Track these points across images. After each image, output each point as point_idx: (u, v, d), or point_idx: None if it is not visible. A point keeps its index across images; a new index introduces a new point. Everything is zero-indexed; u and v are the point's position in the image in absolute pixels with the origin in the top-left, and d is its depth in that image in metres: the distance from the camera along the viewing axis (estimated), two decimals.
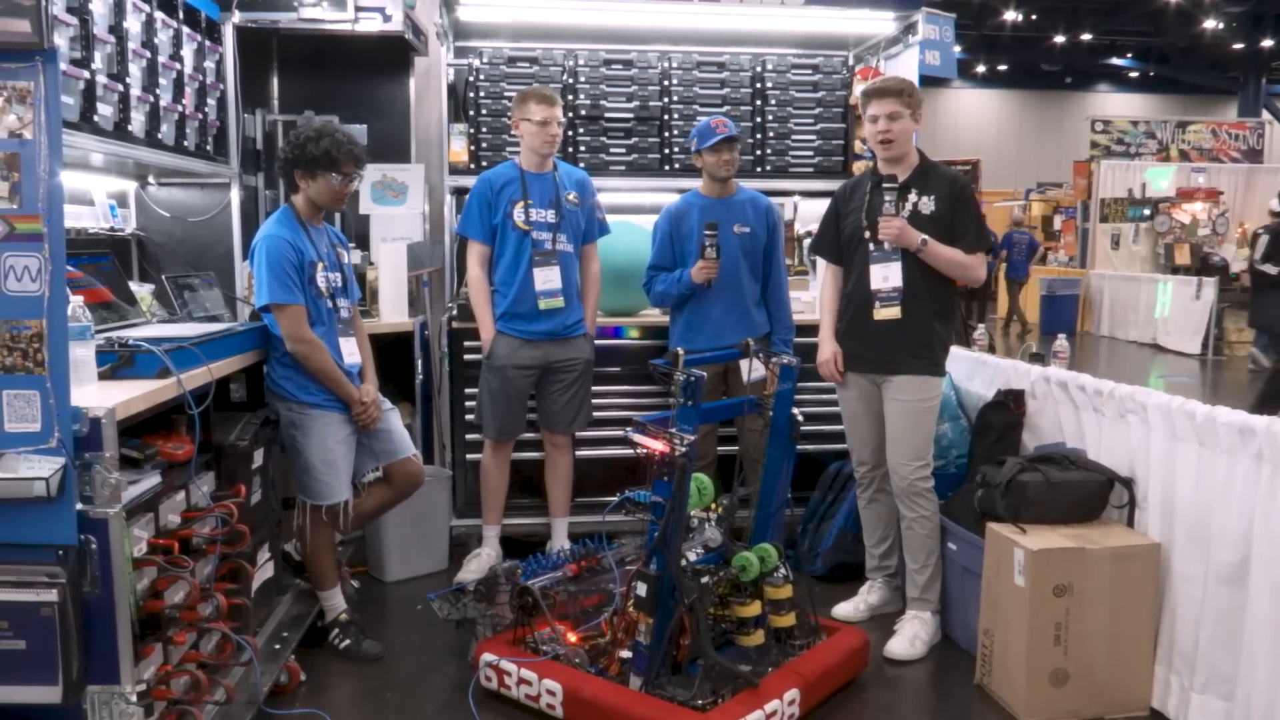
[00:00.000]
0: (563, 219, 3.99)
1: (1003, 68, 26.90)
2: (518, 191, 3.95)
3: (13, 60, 2.08)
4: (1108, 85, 28.43)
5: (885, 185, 3.45)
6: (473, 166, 4.61)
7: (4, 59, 2.08)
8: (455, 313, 4.38)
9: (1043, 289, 13.62)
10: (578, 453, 4.39)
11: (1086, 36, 23.72)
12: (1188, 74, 24.91)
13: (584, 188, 4.11)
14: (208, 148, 3.84)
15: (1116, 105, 26.97)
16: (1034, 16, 22.60)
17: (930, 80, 5.25)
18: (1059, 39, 23.82)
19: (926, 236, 3.43)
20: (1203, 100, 26.93)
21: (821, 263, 3.97)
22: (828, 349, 3.70)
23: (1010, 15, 22.16)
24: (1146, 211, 13.03)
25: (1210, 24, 21.62)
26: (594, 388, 4.24)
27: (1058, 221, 16.55)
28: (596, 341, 4.25)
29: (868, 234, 3.51)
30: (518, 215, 3.93)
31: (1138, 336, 12.43)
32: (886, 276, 3.48)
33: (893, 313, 3.48)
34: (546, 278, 3.93)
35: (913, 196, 3.49)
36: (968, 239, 3.49)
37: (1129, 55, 25.66)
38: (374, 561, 4.24)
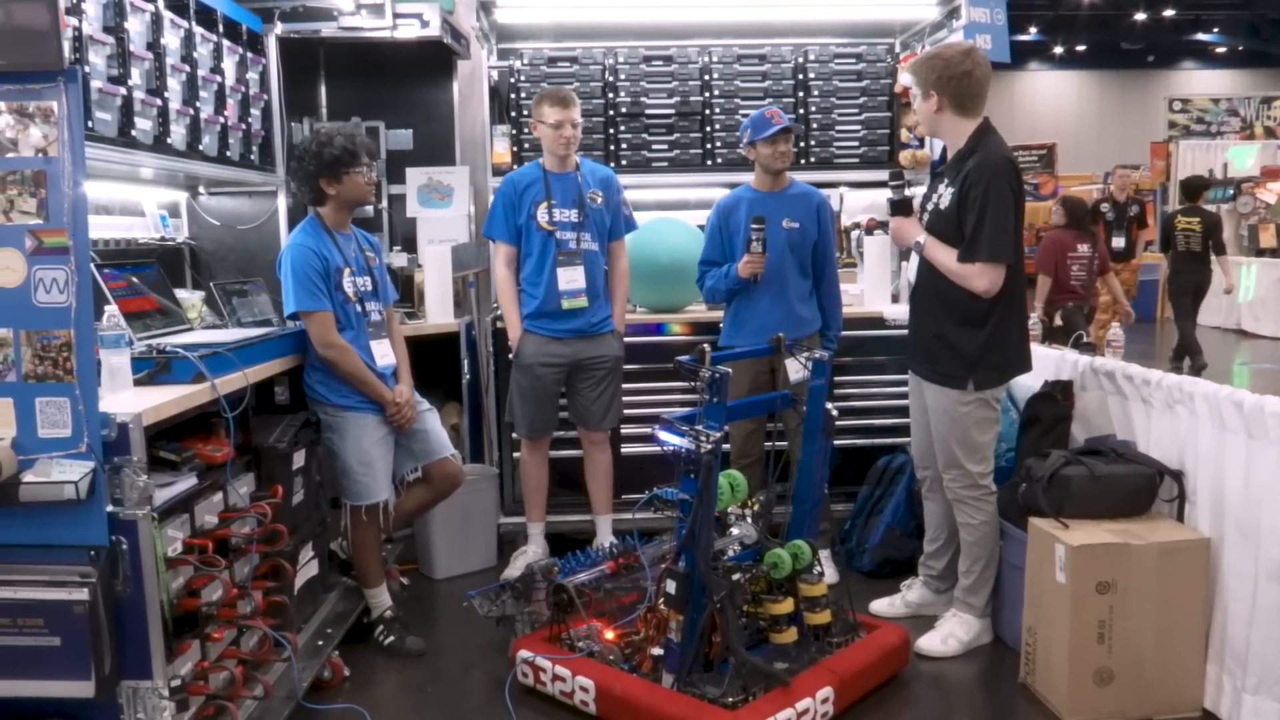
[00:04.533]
0: (586, 218, 4.00)
1: (1081, 48, 26.12)
2: (541, 192, 3.97)
3: (36, 81, 2.17)
4: (1192, 62, 27.36)
5: (890, 183, 3.37)
6: (515, 167, 4.67)
7: (27, 80, 2.16)
8: (500, 313, 4.42)
9: None
10: (625, 449, 4.41)
11: (1169, 12, 22.90)
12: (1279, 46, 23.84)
13: (608, 185, 4.11)
14: (252, 157, 3.94)
15: (1203, 83, 25.95)
16: None
17: (1008, 63, 5.11)
18: (1140, 16, 23.04)
19: (923, 238, 3.26)
20: None
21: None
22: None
23: None
24: (1229, 192, 12.54)
25: None
26: (639, 384, 4.25)
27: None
28: (640, 339, 4.25)
29: None
30: (541, 216, 3.96)
31: (1221, 322, 11.97)
32: (915, 269, 3.42)
33: (906, 309, 3.42)
34: (570, 278, 3.95)
35: (941, 186, 3.33)
36: (967, 245, 3.18)
37: (1215, 30, 24.69)
38: (423, 559, 4.32)
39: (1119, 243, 9.02)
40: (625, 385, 4.24)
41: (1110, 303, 7.12)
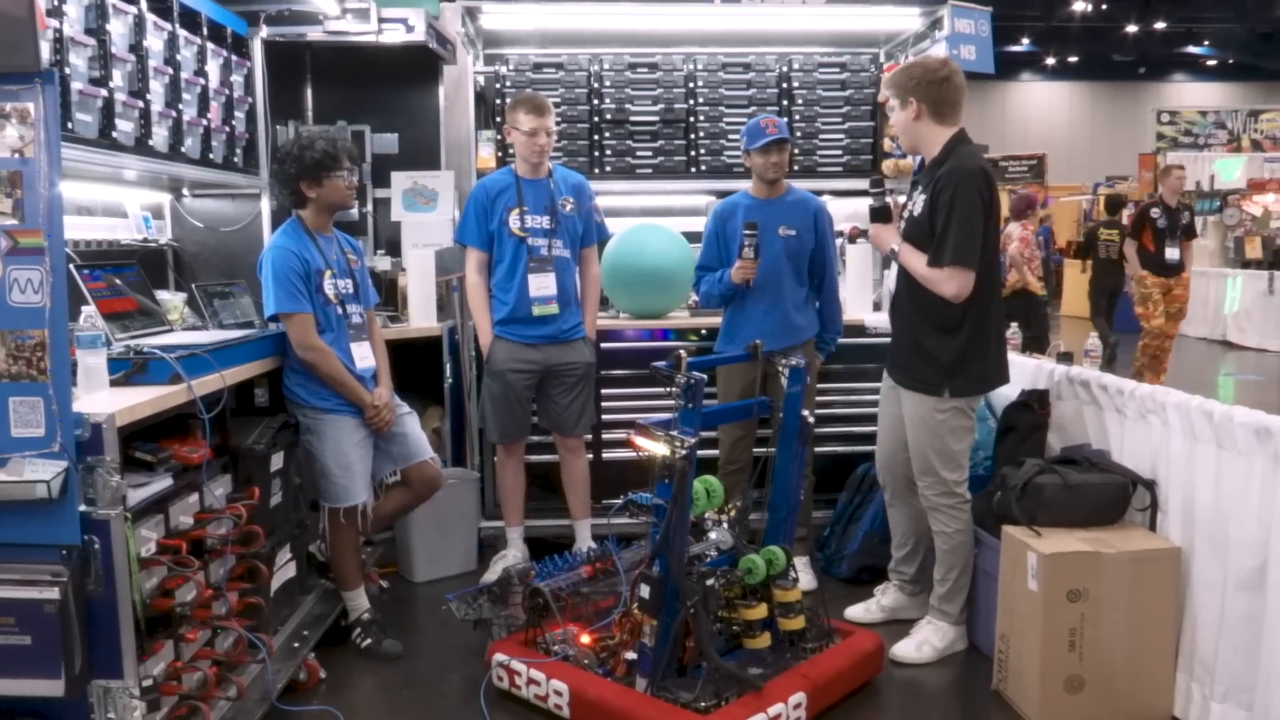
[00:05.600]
0: (558, 224, 4.00)
1: (1073, 59, 26.27)
2: (513, 198, 3.97)
3: (12, 82, 2.18)
4: (1183, 74, 27.57)
5: (870, 190, 3.40)
6: None
7: (4, 81, 2.17)
8: None
9: None
10: (609, 454, 4.43)
11: (1160, 25, 23.05)
12: (1270, 60, 23.98)
13: (580, 192, 4.11)
14: (236, 160, 3.96)
15: (1193, 95, 26.16)
16: (1104, 6, 22.04)
17: (998, 74, 5.16)
18: (1131, 28, 23.18)
19: (897, 244, 3.31)
20: None
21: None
22: None
23: (1080, 5, 21.65)
24: (1216, 204, 12.62)
25: None
26: (621, 390, 4.26)
27: (1125, 215, 16.06)
28: (623, 344, 4.26)
29: None
30: (513, 222, 3.96)
31: (1207, 333, 12.05)
32: (893, 278, 3.46)
33: (885, 316, 3.44)
34: (541, 284, 3.95)
35: (915, 194, 3.38)
36: (934, 249, 3.22)
37: (1205, 43, 24.84)
38: (403, 562, 4.32)
39: (1172, 255, 8.21)
40: (607, 391, 4.26)
41: None
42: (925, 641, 3.46)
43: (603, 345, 4.31)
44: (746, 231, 3.89)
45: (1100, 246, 10.13)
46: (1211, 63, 26.60)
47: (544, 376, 4.06)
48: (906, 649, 3.46)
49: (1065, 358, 3.98)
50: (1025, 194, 9.07)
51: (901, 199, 3.53)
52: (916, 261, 3.28)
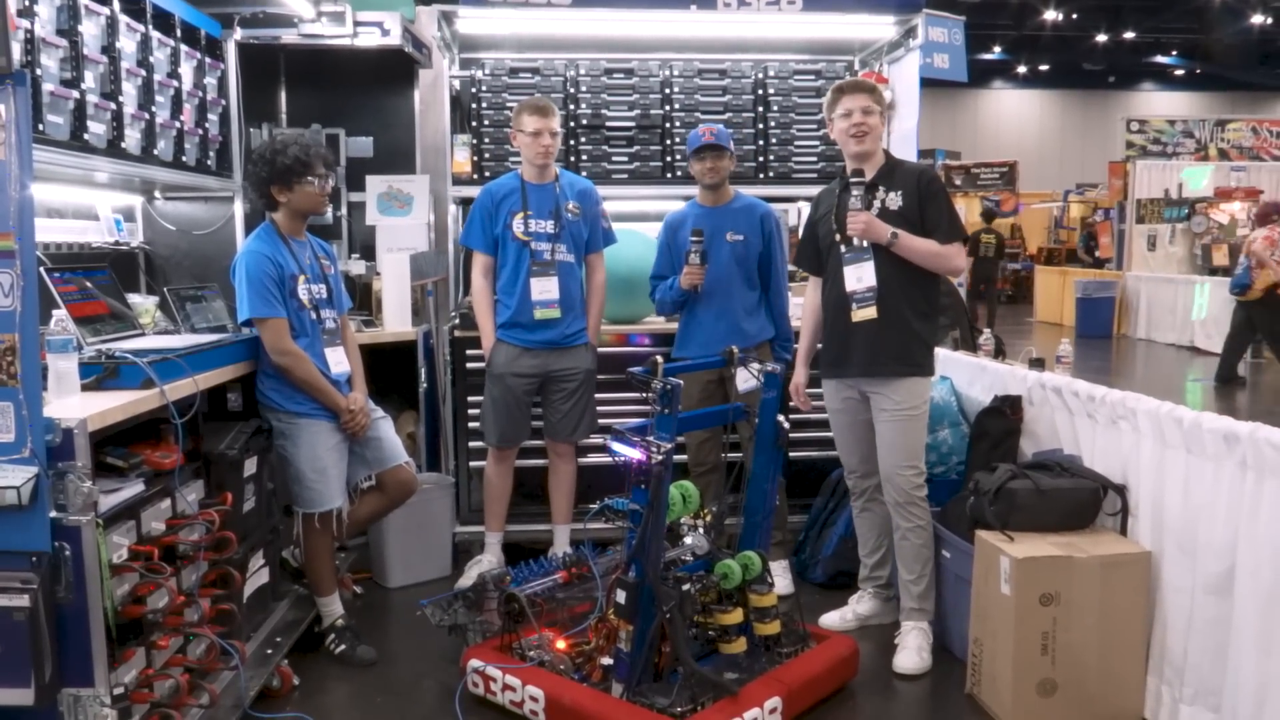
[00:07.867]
0: (563, 229, 4.01)
1: (1044, 68, 26.57)
2: (518, 203, 3.98)
3: None
4: (1152, 84, 27.97)
5: (851, 182, 3.43)
6: (476, 177, 4.67)
7: None
8: (458, 322, 4.43)
9: (1078, 291, 13.41)
10: (585, 460, 4.42)
11: (1129, 35, 23.36)
12: (1236, 71, 24.38)
13: (586, 197, 4.13)
14: (208, 163, 3.93)
15: (1161, 104, 26.52)
16: (1075, 16, 22.32)
17: (972, 81, 5.23)
18: (1101, 38, 23.49)
19: (896, 230, 3.38)
20: (1252, 97, 26.36)
21: (811, 280, 3.80)
22: (799, 375, 3.77)
23: (1051, 15, 21.91)
24: (1183, 212, 12.82)
25: (1258, 19, 21.19)
26: (604, 395, 4.26)
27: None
28: (612, 349, 4.28)
29: (838, 235, 3.48)
30: (517, 226, 3.96)
31: (1175, 339, 12.20)
32: (860, 277, 3.44)
33: (869, 313, 3.42)
34: (543, 288, 3.96)
35: (880, 193, 3.46)
36: (941, 230, 3.42)
37: (1174, 53, 25.21)
38: (377, 568, 4.30)
39: None
40: None
41: None
42: (921, 648, 3.47)
43: None
44: (692, 238, 3.95)
45: (981, 247, 12.77)
46: (1179, 72, 27.01)
47: (545, 382, 4.06)
48: (910, 661, 3.43)
49: (1038, 364, 4.02)
50: (1272, 200, 9.73)
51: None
52: (923, 244, 3.41)
